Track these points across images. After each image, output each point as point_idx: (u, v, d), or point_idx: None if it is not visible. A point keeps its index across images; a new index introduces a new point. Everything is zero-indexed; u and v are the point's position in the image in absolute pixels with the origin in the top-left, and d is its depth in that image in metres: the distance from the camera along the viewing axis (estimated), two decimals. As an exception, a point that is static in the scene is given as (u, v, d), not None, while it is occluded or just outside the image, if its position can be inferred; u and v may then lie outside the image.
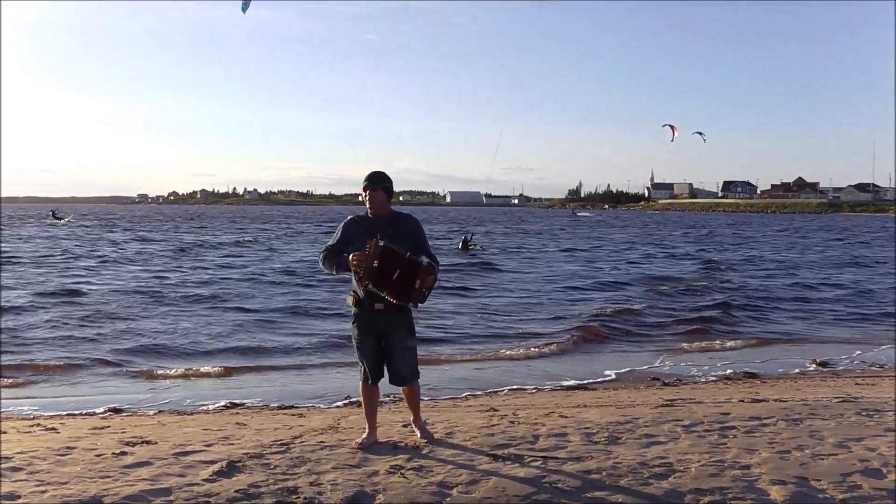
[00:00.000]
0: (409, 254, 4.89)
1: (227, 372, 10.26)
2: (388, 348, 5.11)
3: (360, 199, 5.20)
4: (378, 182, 5.06)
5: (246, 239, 45.03)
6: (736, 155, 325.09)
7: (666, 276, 24.56)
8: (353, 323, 5.17)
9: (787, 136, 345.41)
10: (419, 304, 5.01)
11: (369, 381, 5.23)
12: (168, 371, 10.24)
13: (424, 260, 4.93)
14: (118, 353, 11.23)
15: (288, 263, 27.65)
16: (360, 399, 5.41)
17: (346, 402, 8.38)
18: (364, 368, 5.20)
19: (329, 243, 5.16)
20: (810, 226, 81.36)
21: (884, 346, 12.70)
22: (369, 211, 5.12)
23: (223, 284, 20.62)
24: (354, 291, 5.11)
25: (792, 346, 12.91)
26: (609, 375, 10.29)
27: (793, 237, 55.25)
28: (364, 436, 5.30)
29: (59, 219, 69.24)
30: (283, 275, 23.25)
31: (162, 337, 12.57)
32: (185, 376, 10.04)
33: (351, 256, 4.91)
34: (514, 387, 9.36)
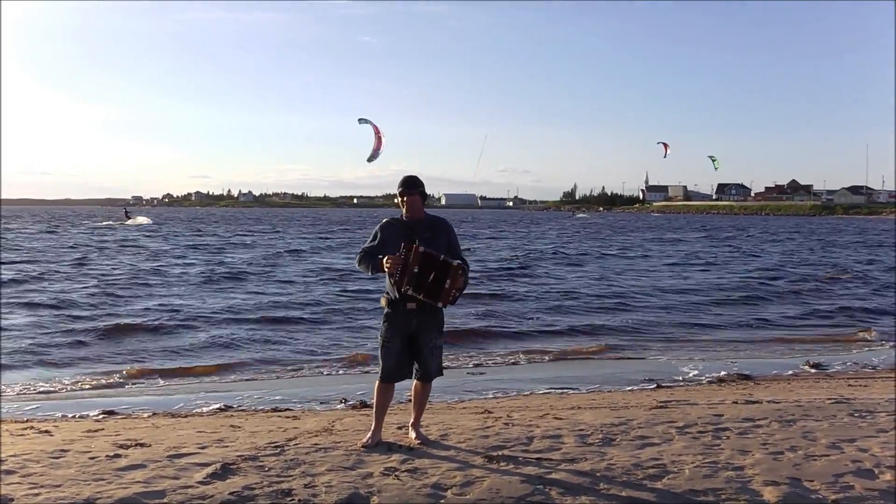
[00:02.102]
0: (442, 256, 5.05)
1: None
2: (418, 347, 5.23)
3: (395, 202, 5.33)
4: (414, 187, 5.22)
5: None
6: (730, 157, 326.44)
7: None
8: (385, 322, 5.26)
9: (781, 138, 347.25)
10: (448, 305, 5.14)
11: (387, 380, 5.29)
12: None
13: (455, 262, 5.08)
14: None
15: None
16: (374, 397, 5.44)
17: (341, 403, 8.39)
18: (384, 367, 5.26)
19: (365, 245, 5.30)
20: (854, 227, 79.94)
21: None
22: (404, 214, 5.24)
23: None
24: (388, 292, 5.23)
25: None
26: None
27: (858, 236, 54.23)
28: (369, 435, 5.35)
29: (131, 219, 73.56)
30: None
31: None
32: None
33: (385, 259, 5.03)
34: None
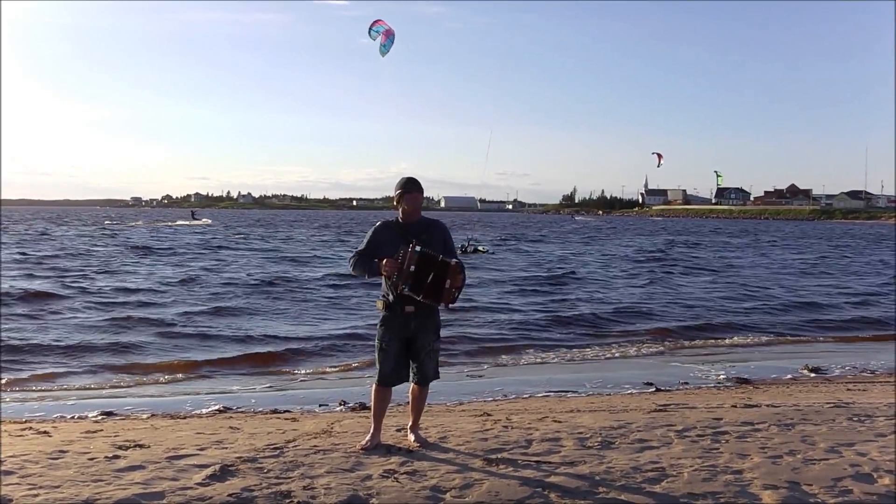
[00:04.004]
0: (441, 256, 5.05)
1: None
2: (415, 350, 5.21)
3: (394, 204, 5.27)
4: (417, 187, 5.20)
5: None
6: (729, 161, 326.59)
7: None
8: (382, 326, 5.22)
9: (780, 142, 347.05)
10: (450, 305, 5.15)
11: (385, 384, 5.27)
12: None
13: (453, 260, 5.08)
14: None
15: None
16: (371, 401, 5.42)
17: (340, 406, 8.38)
18: (382, 371, 5.23)
19: (359, 248, 5.26)
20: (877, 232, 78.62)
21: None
22: (401, 216, 5.23)
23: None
24: (384, 295, 5.21)
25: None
26: None
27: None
28: (368, 437, 5.35)
29: (197, 220, 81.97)
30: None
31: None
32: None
33: (384, 262, 5.02)
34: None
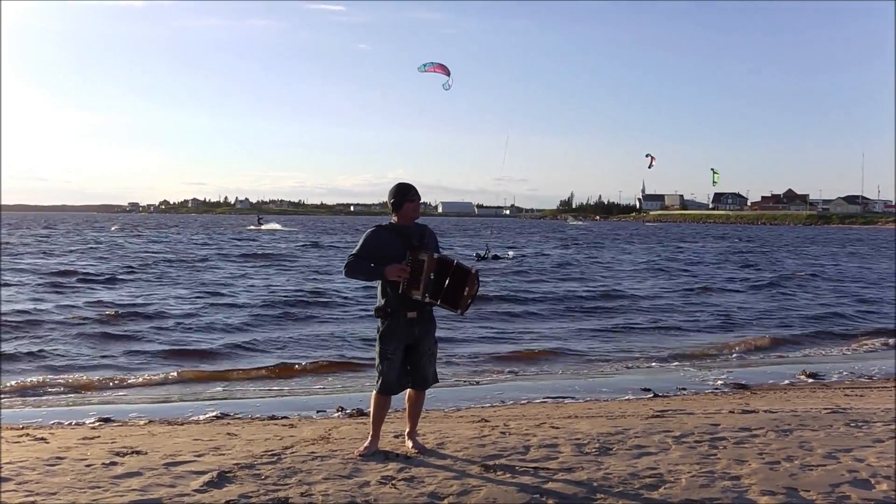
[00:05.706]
0: (456, 261, 5.06)
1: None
2: (416, 355, 5.19)
3: (392, 209, 5.22)
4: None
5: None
6: (726, 167, 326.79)
7: None
8: (385, 335, 5.13)
9: (777, 148, 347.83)
10: (465, 312, 5.14)
11: (389, 393, 5.24)
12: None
13: (474, 268, 5.09)
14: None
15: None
16: (371, 408, 5.37)
17: (338, 412, 8.37)
18: (385, 380, 5.17)
19: (354, 252, 5.17)
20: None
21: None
22: (395, 220, 5.20)
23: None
24: (383, 303, 5.13)
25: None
26: None
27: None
28: (367, 443, 5.34)
29: (261, 224, 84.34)
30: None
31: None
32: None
33: (389, 268, 4.96)
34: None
